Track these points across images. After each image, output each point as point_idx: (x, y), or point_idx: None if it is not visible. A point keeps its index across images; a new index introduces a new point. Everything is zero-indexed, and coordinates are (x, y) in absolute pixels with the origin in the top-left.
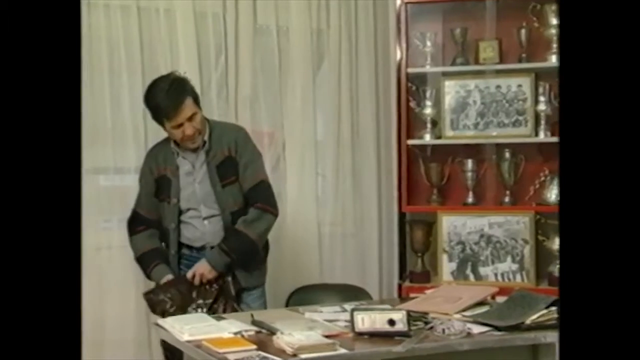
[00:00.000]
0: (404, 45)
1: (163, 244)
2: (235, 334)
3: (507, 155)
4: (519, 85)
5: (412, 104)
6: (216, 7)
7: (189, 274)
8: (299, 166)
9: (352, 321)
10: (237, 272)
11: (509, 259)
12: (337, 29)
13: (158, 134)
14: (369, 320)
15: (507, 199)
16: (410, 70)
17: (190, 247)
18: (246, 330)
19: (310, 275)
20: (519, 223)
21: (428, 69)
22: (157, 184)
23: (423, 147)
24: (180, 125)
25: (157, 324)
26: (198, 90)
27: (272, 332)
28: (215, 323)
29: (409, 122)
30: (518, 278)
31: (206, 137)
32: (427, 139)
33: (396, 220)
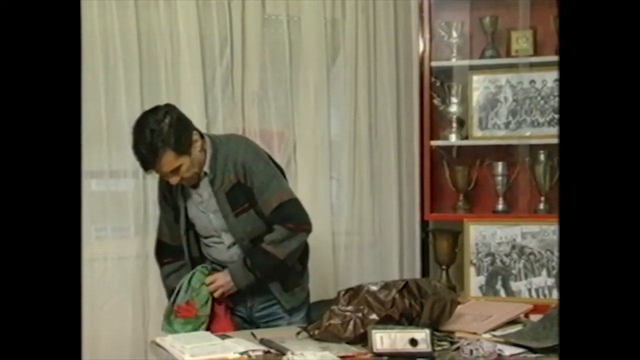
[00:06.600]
0: (427, 36)
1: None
2: (242, 354)
3: (542, 157)
4: (556, 80)
5: (437, 101)
6: None
7: (208, 280)
8: (311, 169)
9: (370, 340)
10: (278, 295)
11: (544, 272)
12: (354, 18)
13: None
14: (388, 339)
15: (542, 206)
16: (434, 63)
17: (220, 265)
18: (253, 350)
19: (324, 289)
20: (556, 233)
21: (454, 62)
22: (174, 210)
23: (448, 149)
24: (164, 173)
25: (156, 343)
26: (201, 86)
27: (282, 352)
28: (220, 342)
29: (433, 121)
30: (554, 294)
31: (206, 168)
32: (453, 139)
33: (418, 229)
